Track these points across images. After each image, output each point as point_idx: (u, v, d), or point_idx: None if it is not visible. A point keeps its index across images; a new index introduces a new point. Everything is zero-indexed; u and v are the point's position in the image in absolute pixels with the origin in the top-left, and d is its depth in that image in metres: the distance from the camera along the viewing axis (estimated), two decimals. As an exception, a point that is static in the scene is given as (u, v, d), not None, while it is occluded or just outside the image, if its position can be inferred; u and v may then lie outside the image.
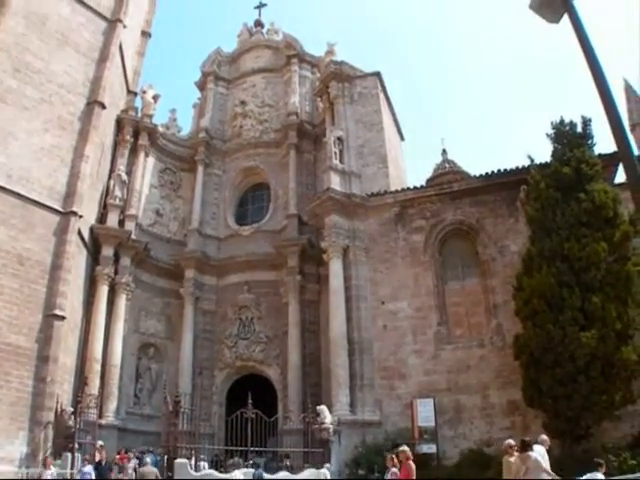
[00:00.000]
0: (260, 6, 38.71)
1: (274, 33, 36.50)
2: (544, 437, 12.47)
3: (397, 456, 12.97)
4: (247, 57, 35.42)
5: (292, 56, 33.59)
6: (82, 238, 24.24)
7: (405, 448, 12.71)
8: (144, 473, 15.26)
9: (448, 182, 24.72)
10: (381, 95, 28.55)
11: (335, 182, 24.85)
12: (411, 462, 12.15)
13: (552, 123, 20.01)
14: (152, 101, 31.29)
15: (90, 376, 23.35)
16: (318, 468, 17.74)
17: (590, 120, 19.69)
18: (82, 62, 25.57)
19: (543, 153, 20.58)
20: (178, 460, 16.39)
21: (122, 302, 26.33)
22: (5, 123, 21.84)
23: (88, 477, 16.73)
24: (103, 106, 25.45)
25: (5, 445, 18.37)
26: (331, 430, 19.78)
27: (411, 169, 39.18)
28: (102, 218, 27.19)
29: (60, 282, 21.40)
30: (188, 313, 28.02)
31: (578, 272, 17.05)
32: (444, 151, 29.86)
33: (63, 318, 21.05)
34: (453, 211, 23.35)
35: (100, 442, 19.55)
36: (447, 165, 28.74)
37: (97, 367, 24.21)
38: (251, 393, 19.41)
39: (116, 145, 29.43)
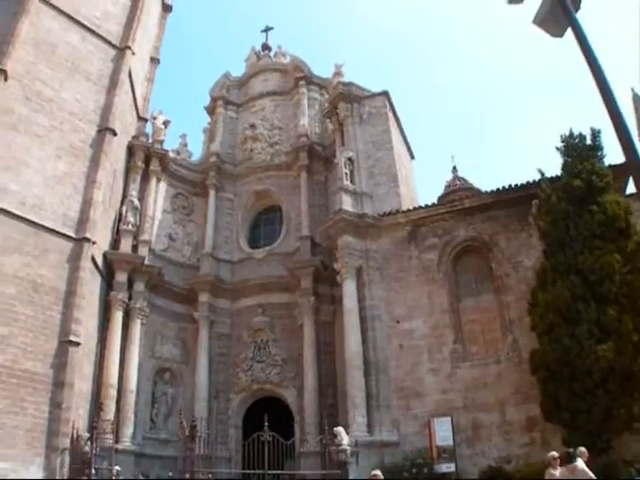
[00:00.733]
0: (267, 30, 39.09)
1: (282, 56, 36.78)
2: (582, 449, 12.23)
3: None
4: (256, 81, 35.65)
5: (300, 78, 33.76)
6: (96, 264, 24.34)
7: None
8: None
9: (460, 199, 24.69)
10: (390, 114, 28.61)
11: (347, 203, 24.85)
12: None
13: (561, 136, 19.99)
14: (162, 127, 31.47)
15: (106, 401, 23.29)
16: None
17: (599, 131, 19.67)
18: (92, 89, 25.88)
19: (553, 166, 20.57)
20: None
21: (137, 327, 26.31)
22: (18, 151, 22.09)
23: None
24: (114, 133, 25.70)
25: (21, 471, 18.28)
26: (348, 452, 19.59)
27: (422, 187, 39.35)
28: (115, 244, 27.25)
29: (74, 308, 21.43)
30: (203, 337, 27.93)
31: (593, 285, 16.95)
32: (454, 168, 29.98)
33: (78, 344, 21.08)
34: (465, 228, 23.27)
35: (117, 467, 19.52)
36: (458, 182, 28.83)
37: (113, 392, 24.12)
38: (267, 416, 19.35)
39: (128, 171, 29.56)
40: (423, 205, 24.99)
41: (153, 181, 30.09)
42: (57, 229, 22.33)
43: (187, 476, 18.23)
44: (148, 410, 26.07)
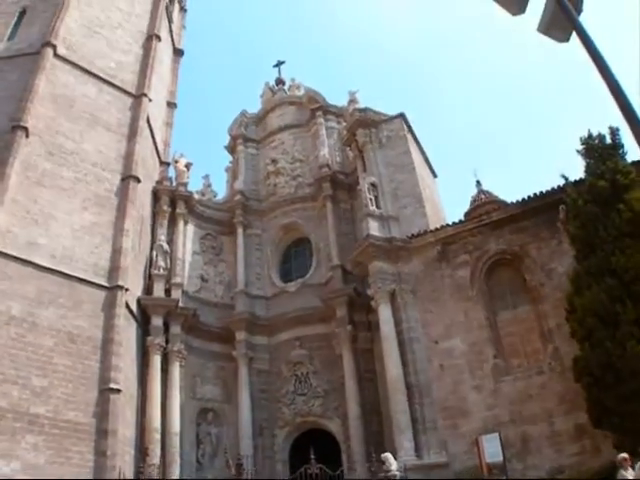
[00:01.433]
0: (279, 64, 39.68)
1: (296, 89, 37.13)
2: None
3: None
4: (272, 116, 36.04)
5: (316, 109, 34.04)
6: (130, 310, 24.58)
7: None
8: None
9: (487, 213, 24.57)
10: (408, 136, 28.64)
11: (374, 228, 24.86)
12: None
13: (581, 139, 19.75)
14: (185, 169, 31.90)
15: (150, 446, 23.34)
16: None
17: (618, 129, 19.37)
18: (113, 139, 26.45)
19: (576, 170, 20.37)
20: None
21: (176, 370, 26.40)
22: (45, 206, 22.56)
23: None
24: (138, 180, 26.17)
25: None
26: (398, 477, 19.33)
27: (448, 205, 39.02)
28: (148, 289, 27.52)
29: (112, 356, 21.68)
30: (243, 375, 27.89)
31: (628, 284, 16.58)
32: (478, 182, 29.79)
33: (119, 391, 21.27)
34: (495, 241, 23.07)
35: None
36: (483, 196, 28.66)
37: (157, 436, 24.15)
38: (313, 448, 19.19)
39: (155, 216, 29.98)
40: (451, 223, 24.88)
41: (180, 224, 30.40)
42: (89, 279, 22.68)
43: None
44: (193, 451, 26.02)
